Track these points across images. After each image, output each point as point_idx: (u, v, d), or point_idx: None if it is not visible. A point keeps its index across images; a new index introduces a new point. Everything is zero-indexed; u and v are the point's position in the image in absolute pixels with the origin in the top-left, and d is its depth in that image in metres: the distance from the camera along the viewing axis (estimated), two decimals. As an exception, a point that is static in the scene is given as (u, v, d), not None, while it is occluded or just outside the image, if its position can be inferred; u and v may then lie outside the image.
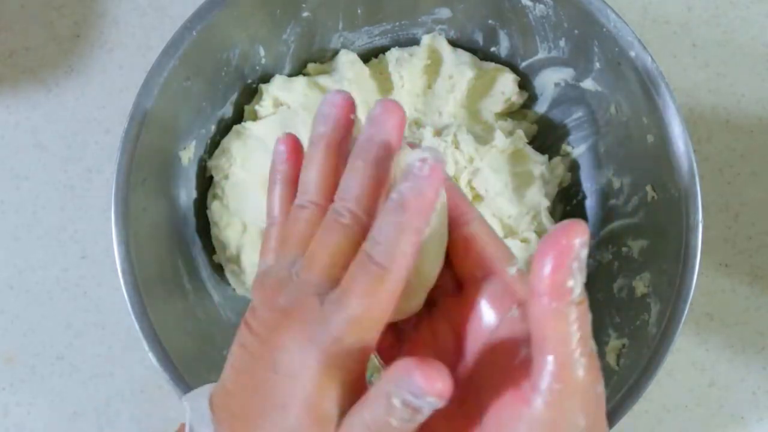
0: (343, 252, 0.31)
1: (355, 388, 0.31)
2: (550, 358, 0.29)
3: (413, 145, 0.34)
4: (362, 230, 0.31)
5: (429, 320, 0.36)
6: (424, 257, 0.33)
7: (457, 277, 0.35)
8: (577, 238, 0.28)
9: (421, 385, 0.28)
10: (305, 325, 0.31)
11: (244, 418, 0.32)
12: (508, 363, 0.32)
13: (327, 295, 0.31)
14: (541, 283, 0.28)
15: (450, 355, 0.34)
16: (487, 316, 0.33)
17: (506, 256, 0.34)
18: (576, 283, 0.29)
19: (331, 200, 0.33)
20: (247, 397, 0.32)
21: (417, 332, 0.36)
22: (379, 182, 0.32)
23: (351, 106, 0.34)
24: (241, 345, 0.33)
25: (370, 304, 0.30)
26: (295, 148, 0.37)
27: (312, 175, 0.34)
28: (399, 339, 0.36)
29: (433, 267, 0.34)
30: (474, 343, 0.33)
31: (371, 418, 0.30)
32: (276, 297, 0.32)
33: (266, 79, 0.57)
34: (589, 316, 0.30)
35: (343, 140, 0.34)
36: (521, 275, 0.33)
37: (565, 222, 0.28)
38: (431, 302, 0.35)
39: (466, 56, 0.58)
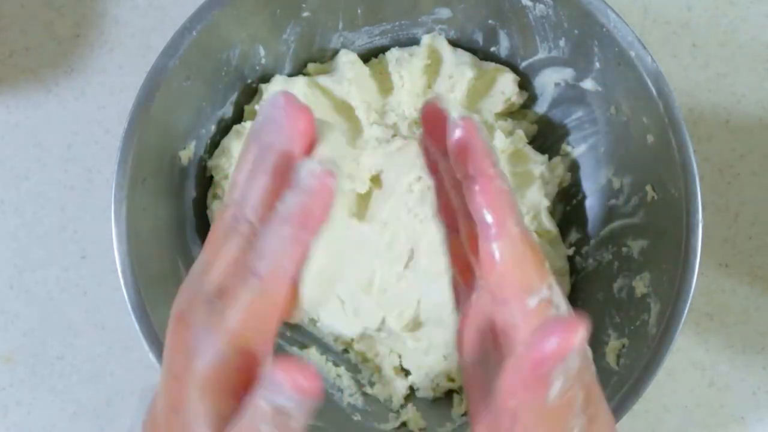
0: (236, 261, 0.31)
1: (238, 398, 0.31)
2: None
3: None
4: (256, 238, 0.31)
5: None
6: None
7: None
8: (569, 342, 0.28)
9: (280, 380, 0.28)
10: (195, 330, 0.31)
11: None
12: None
13: (214, 305, 0.31)
14: (521, 371, 0.29)
15: (488, 333, 0.34)
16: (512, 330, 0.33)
17: (528, 285, 0.32)
18: (552, 387, 0.29)
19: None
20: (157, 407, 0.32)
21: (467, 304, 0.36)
22: (276, 191, 0.31)
23: (309, 128, 0.32)
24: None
25: (249, 317, 0.30)
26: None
27: (239, 178, 0.32)
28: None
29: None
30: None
31: (245, 426, 0.29)
32: (179, 297, 0.32)
33: (266, 79, 0.57)
34: (577, 404, 0.31)
35: (295, 158, 0.32)
36: (542, 308, 0.32)
37: (562, 322, 0.29)
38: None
39: (466, 56, 0.58)
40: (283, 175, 0.31)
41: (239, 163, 0.33)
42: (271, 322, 0.31)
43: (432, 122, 0.34)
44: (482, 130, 0.32)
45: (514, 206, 0.32)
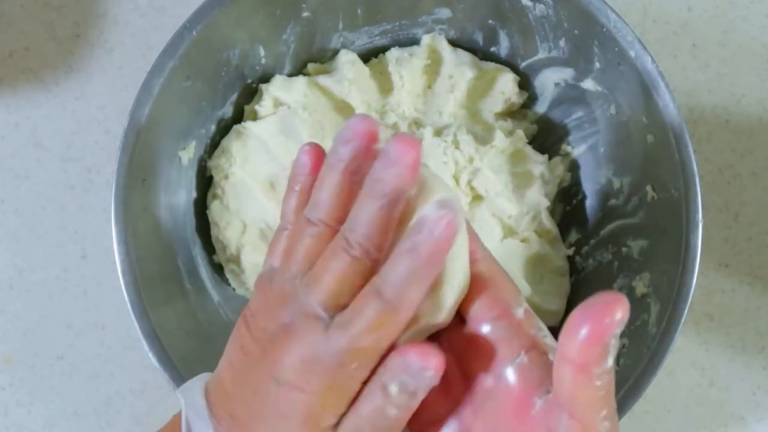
0: (349, 281, 0.32)
1: (353, 399, 0.32)
2: (575, 423, 0.30)
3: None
4: (370, 265, 0.32)
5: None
6: (453, 266, 0.33)
7: (461, 311, 0.35)
8: (618, 316, 0.28)
9: (416, 362, 0.30)
10: (308, 346, 0.32)
11: (243, 420, 0.33)
12: (522, 412, 0.32)
13: (332, 320, 0.32)
14: (573, 350, 0.29)
15: (455, 388, 0.34)
16: (495, 359, 0.33)
17: (513, 297, 0.34)
18: (609, 358, 0.29)
19: (341, 223, 0.33)
20: (246, 400, 0.33)
21: None
22: (390, 222, 0.32)
23: (375, 136, 0.33)
24: (241, 347, 0.34)
25: (376, 337, 0.31)
26: (318, 161, 0.36)
27: (325, 197, 0.34)
28: None
29: (464, 277, 0.34)
30: (481, 384, 0.34)
31: (367, 412, 0.31)
32: (278, 308, 0.33)
33: (266, 79, 0.57)
34: (613, 381, 0.31)
35: (361, 167, 0.33)
36: (528, 317, 0.34)
37: (609, 296, 0.29)
38: (435, 333, 0.35)
39: (466, 56, 0.58)
40: (396, 209, 0.32)
41: (324, 181, 0.34)
42: (388, 345, 0.32)
43: None
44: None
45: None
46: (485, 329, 0.33)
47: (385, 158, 0.32)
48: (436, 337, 0.35)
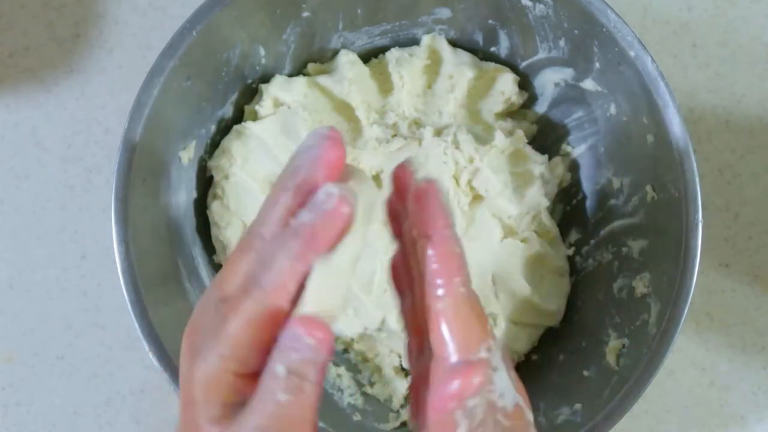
0: (247, 274, 0.32)
1: (241, 394, 0.32)
2: None
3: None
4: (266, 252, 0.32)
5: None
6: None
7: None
8: (472, 386, 0.31)
9: (299, 332, 0.30)
10: (202, 337, 0.32)
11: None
12: None
13: (219, 311, 0.32)
14: (433, 405, 0.31)
15: (420, 414, 0.35)
16: (432, 394, 0.33)
17: (464, 345, 0.33)
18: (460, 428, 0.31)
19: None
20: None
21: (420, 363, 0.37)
22: (295, 211, 0.32)
23: (341, 158, 0.33)
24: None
25: (250, 326, 0.31)
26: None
27: (277, 215, 0.33)
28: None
29: None
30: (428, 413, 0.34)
31: (258, 402, 0.30)
32: (195, 309, 0.34)
33: (266, 79, 0.57)
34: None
35: (318, 183, 0.33)
36: (465, 366, 0.32)
37: (469, 366, 0.31)
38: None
39: (466, 56, 0.58)
40: (304, 197, 0.32)
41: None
42: (271, 331, 0.31)
43: (401, 182, 0.36)
44: (443, 194, 0.33)
45: (462, 268, 0.33)
46: (432, 361, 0.34)
47: (305, 148, 0.32)
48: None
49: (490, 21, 0.56)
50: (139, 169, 0.49)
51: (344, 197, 0.30)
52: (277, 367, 0.30)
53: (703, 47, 0.63)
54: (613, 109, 0.54)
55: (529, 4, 0.53)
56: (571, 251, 0.58)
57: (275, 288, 0.31)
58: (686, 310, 0.48)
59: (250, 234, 0.33)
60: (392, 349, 0.57)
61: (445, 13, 0.57)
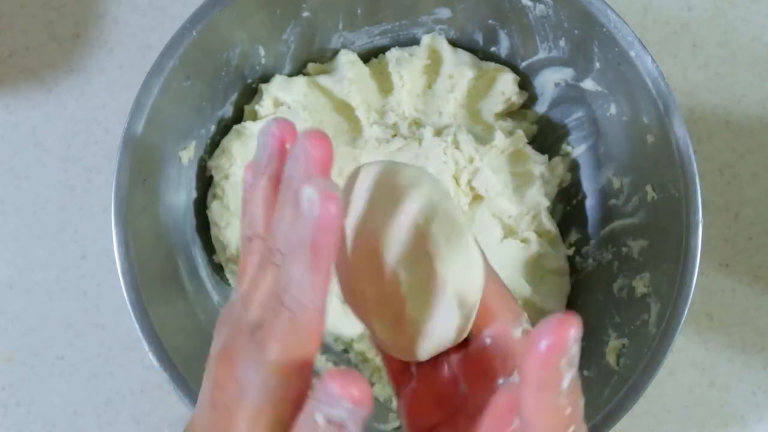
0: (273, 292, 0.31)
1: (293, 416, 0.31)
2: None
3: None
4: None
5: (434, 360, 0.36)
6: (468, 285, 0.33)
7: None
8: (569, 332, 0.28)
9: (335, 391, 0.28)
10: (241, 363, 0.31)
11: None
12: (502, 430, 0.32)
13: (256, 337, 0.31)
14: (531, 373, 0.28)
15: (451, 399, 0.34)
16: (491, 375, 0.33)
17: (513, 315, 0.34)
18: (565, 378, 0.29)
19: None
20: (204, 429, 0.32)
21: (422, 368, 0.36)
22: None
23: (286, 136, 0.33)
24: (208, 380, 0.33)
25: (287, 348, 0.30)
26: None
27: (257, 210, 0.33)
28: (409, 371, 0.37)
29: (478, 295, 0.33)
30: (476, 399, 0.33)
31: None
32: (220, 328, 0.33)
33: (266, 79, 0.57)
34: (581, 402, 0.30)
35: (281, 170, 0.32)
36: (526, 337, 0.33)
37: (558, 317, 0.28)
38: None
39: (466, 56, 0.58)
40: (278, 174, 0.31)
41: (250, 194, 0.33)
42: (309, 347, 0.31)
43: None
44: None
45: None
46: (483, 346, 0.33)
47: (291, 158, 0.31)
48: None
49: (490, 21, 0.56)
50: (139, 169, 0.49)
51: (327, 196, 0.29)
52: (317, 416, 0.29)
53: (703, 47, 0.63)
54: (613, 109, 0.54)
55: (529, 4, 0.53)
56: (571, 251, 0.58)
57: (299, 304, 0.30)
58: (686, 310, 0.48)
59: (265, 250, 0.31)
60: (392, 349, 0.57)
61: (445, 13, 0.57)
